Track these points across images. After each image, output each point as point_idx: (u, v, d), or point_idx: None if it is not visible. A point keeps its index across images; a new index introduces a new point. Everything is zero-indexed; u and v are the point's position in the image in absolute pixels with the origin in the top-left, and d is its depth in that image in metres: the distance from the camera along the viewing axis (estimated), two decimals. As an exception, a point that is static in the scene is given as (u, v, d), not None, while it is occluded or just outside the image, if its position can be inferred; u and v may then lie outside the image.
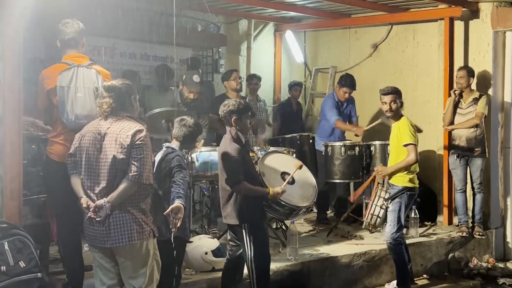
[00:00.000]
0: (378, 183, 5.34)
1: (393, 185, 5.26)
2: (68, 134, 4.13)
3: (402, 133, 5.18)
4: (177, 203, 3.73)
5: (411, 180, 5.26)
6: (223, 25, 8.20)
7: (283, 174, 4.89)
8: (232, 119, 4.38)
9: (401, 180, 5.22)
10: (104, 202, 3.61)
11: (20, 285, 3.69)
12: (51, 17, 4.46)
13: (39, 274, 3.78)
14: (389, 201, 5.24)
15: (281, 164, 5.04)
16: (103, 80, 4.16)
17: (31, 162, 4.65)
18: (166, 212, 3.70)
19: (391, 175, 5.25)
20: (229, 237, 4.62)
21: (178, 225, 3.70)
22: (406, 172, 5.22)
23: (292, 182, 4.89)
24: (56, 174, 4.16)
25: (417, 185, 5.36)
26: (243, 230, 4.33)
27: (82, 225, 3.84)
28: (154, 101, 6.20)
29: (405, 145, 5.16)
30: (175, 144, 4.16)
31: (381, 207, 5.02)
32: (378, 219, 5.07)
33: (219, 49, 8.16)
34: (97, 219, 3.64)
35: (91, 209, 3.64)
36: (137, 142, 3.62)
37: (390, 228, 5.26)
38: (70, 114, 4.12)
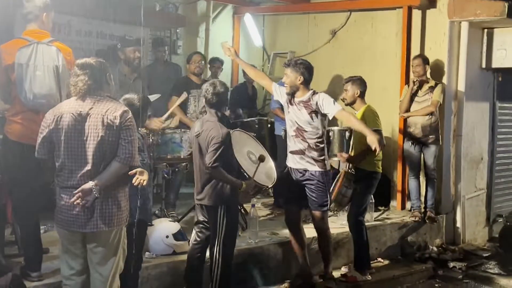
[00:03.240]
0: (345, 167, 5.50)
1: (359, 169, 5.40)
2: (26, 113, 4.01)
3: (368, 120, 5.30)
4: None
5: (377, 166, 5.52)
6: (181, 6, 8.05)
7: (249, 154, 4.88)
8: (223, 101, 4.36)
9: (371, 165, 5.43)
10: (92, 185, 3.41)
11: (-25, 268, 3.58)
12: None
13: (-6, 257, 3.67)
14: (357, 183, 5.36)
15: (244, 142, 5.02)
16: (64, 58, 4.03)
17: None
18: (131, 172, 3.54)
19: (358, 161, 5.37)
20: (198, 219, 4.51)
21: (145, 184, 3.59)
22: (375, 158, 5.40)
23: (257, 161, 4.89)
24: (13, 154, 4.03)
25: (381, 171, 5.60)
26: (219, 212, 4.32)
27: (40, 206, 3.69)
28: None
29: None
30: None
31: (347, 188, 5.23)
32: (345, 199, 5.29)
33: (177, 30, 8.03)
34: (86, 205, 3.42)
35: (75, 194, 3.41)
36: (126, 123, 3.50)
37: (355, 209, 5.49)
38: (28, 92, 3.96)
